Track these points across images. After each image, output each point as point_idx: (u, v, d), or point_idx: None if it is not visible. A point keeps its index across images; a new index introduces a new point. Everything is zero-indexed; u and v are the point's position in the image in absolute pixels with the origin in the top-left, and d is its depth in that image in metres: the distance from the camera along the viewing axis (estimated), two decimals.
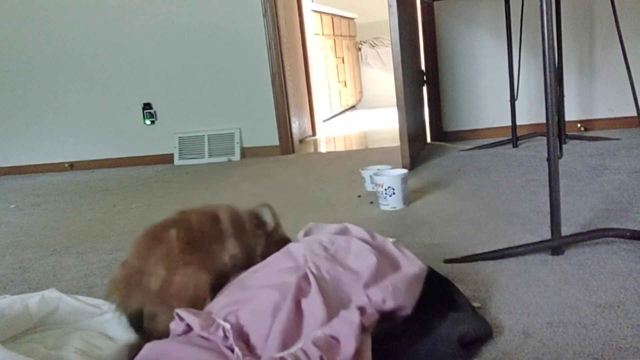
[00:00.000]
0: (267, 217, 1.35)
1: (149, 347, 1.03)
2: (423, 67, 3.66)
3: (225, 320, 1.02)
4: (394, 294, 1.05)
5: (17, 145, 4.34)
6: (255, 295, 1.05)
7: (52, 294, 1.37)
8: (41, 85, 4.21)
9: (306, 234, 1.32)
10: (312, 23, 4.87)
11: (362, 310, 1.02)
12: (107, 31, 4.02)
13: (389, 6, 2.65)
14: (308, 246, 1.15)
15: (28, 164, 4.35)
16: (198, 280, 1.17)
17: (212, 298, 1.16)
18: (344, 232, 1.26)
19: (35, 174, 4.26)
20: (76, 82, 4.15)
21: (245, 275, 1.17)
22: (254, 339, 0.99)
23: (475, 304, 1.24)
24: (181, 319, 1.07)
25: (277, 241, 1.33)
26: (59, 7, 4.06)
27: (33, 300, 1.34)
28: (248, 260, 1.26)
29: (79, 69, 4.12)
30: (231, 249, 1.25)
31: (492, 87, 3.60)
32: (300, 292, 1.04)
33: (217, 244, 1.25)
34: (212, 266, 1.21)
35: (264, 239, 1.32)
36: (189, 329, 1.06)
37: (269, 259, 1.20)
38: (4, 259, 2.13)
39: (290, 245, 1.21)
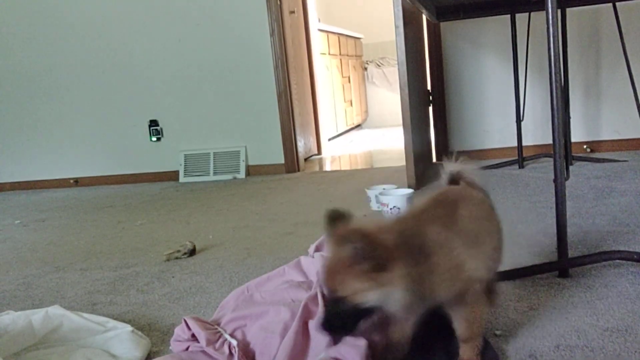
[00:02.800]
0: None
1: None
2: (429, 87, 3.67)
3: (232, 335, 1.01)
4: None
5: (23, 161, 4.36)
6: (265, 312, 1.04)
7: (56, 310, 1.37)
8: (48, 102, 4.23)
9: (317, 248, 1.31)
10: (318, 42, 4.90)
11: None
12: (115, 49, 4.06)
13: (396, 27, 2.67)
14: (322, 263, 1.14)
15: (34, 179, 4.36)
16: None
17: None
18: None
19: (41, 190, 4.27)
20: (83, 99, 4.17)
21: (254, 285, 1.16)
22: (261, 358, 0.98)
23: (497, 332, 1.23)
24: (188, 327, 1.06)
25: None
26: (66, 26, 4.10)
27: (37, 316, 1.34)
28: None
29: (85, 86, 4.15)
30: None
31: (498, 108, 3.60)
32: (308, 314, 1.03)
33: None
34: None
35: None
36: (193, 338, 1.05)
37: (279, 269, 1.19)
38: (8, 274, 2.13)
39: (301, 259, 1.21)
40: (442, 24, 3.58)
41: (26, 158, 4.35)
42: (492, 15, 3.34)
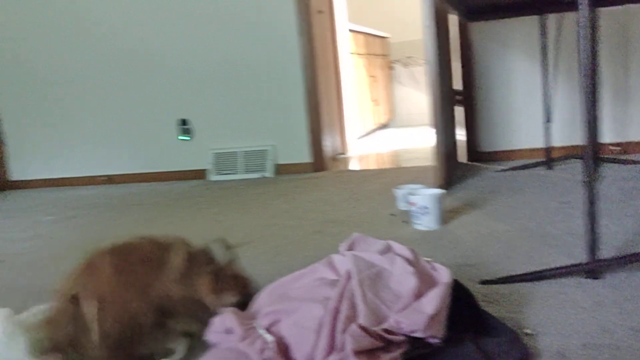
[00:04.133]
0: (219, 253, 1.31)
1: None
2: (457, 87, 3.67)
3: (266, 330, 1.05)
4: (426, 325, 1.06)
5: (54, 158, 4.46)
6: (298, 308, 1.08)
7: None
8: (79, 101, 4.33)
9: (349, 246, 1.34)
10: (345, 42, 4.92)
11: (388, 331, 1.04)
12: (145, 49, 4.13)
13: (425, 26, 2.68)
14: (353, 262, 1.17)
15: (65, 176, 4.45)
16: (129, 310, 1.16)
17: (150, 330, 1.15)
18: (387, 249, 1.28)
19: (72, 187, 4.35)
20: (114, 99, 4.25)
21: (286, 282, 1.19)
22: (295, 354, 1.01)
23: (528, 331, 1.24)
24: (224, 319, 1.10)
25: (229, 277, 1.29)
26: (101, 25, 4.18)
27: None
28: (194, 298, 1.24)
29: (117, 85, 4.23)
30: (173, 286, 1.23)
31: (526, 108, 3.59)
32: (337, 315, 1.06)
33: (158, 277, 1.23)
34: (148, 298, 1.19)
35: (211, 276, 1.28)
36: (229, 331, 1.09)
37: (311, 267, 1.22)
38: (42, 270, 2.18)
39: (333, 257, 1.23)
40: (471, 24, 3.58)
41: (58, 155, 4.45)
42: (521, 16, 3.33)
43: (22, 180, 4.53)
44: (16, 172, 4.55)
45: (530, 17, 3.35)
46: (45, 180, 4.50)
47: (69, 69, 4.31)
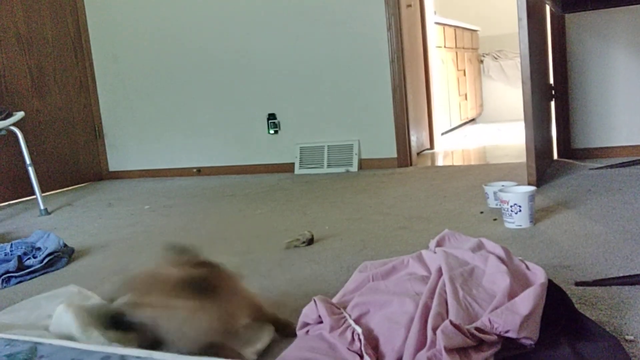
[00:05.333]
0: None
1: (292, 349, 1.08)
2: (551, 82, 3.54)
3: (356, 322, 1.05)
4: (520, 326, 1.03)
5: (151, 151, 4.66)
6: (389, 301, 1.08)
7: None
8: (175, 97, 4.50)
9: (439, 242, 1.33)
10: (434, 36, 4.85)
11: (480, 330, 1.02)
12: (237, 46, 4.24)
13: (519, 19, 2.60)
14: (444, 259, 1.16)
15: (159, 167, 4.65)
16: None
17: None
18: (479, 246, 1.26)
19: (165, 178, 4.54)
20: (206, 94, 4.39)
21: (379, 275, 1.19)
22: (384, 347, 1.02)
23: (630, 337, 1.19)
24: (315, 307, 1.11)
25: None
26: (194, 26, 4.33)
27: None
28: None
29: (208, 81, 4.37)
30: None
31: (626, 104, 3.41)
32: (428, 311, 1.05)
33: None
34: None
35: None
36: (320, 320, 1.10)
37: (401, 259, 1.21)
38: (141, 256, 2.30)
39: (423, 253, 1.22)
40: (567, 16, 3.43)
41: (153, 148, 4.65)
42: (621, 6, 3.16)
43: (119, 171, 4.78)
44: (114, 164, 4.80)
45: (633, 7, 3.17)
46: (141, 171, 4.71)
47: (164, 67, 4.49)
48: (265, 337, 1.30)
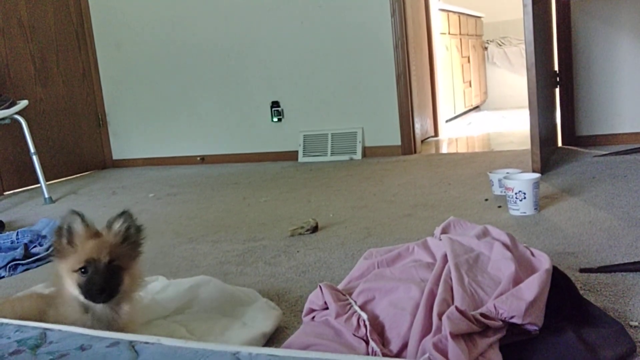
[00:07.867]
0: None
1: (298, 335, 1.09)
2: (556, 68, 3.52)
3: (362, 308, 1.06)
4: (525, 312, 1.03)
5: (154, 139, 4.66)
6: (394, 288, 1.08)
7: (206, 278, 1.49)
8: (178, 85, 4.49)
9: (444, 229, 1.33)
10: (438, 22, 4.82)
11: (485, 316, 1.03)
12: (240, 33, 4.22)
13: (524, 5, 2.58)
14: (450, 246, 1.16)
15: (164, 156, 4.65)
16: None
17: None
18: (484, 233, 1.26)
19: (169, 166, 4.54)
20: (209, 82, 4.39)
21: (384, 261, 1.19)
22: (390, 333, 1.02)
23: (634, 323, 1.19)
24: (321, 294, 1.12)
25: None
26: (197, 13, 4.31)
27: (185, 283, 1.46)
28: None
29: (212, 69, 4.36)
30: None
31: (631, 91, 3.39)
32: (434, 298, 1.06)
33: None
34: None
35: None
36: (325, 306, 1.11)
37: (406, 246, 1.22)
38: (146, 243, 2.29)
39: (428, 240, 1.23)
40: (573, 2, 3.40)
41: (157, 136, 4.65)
42: None
43: (123, 159, 4.79)
44: (118, 152, 4.81)
45: None
46: (145, 159, 4.72)
47: (167, 55, 4.48)
48: (271, 321, 1.31)
